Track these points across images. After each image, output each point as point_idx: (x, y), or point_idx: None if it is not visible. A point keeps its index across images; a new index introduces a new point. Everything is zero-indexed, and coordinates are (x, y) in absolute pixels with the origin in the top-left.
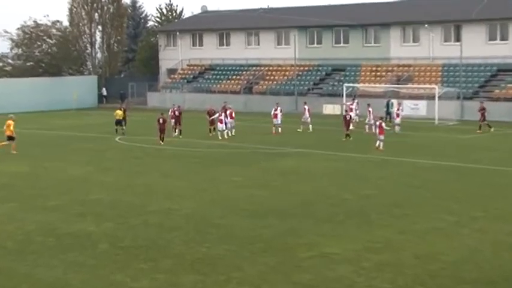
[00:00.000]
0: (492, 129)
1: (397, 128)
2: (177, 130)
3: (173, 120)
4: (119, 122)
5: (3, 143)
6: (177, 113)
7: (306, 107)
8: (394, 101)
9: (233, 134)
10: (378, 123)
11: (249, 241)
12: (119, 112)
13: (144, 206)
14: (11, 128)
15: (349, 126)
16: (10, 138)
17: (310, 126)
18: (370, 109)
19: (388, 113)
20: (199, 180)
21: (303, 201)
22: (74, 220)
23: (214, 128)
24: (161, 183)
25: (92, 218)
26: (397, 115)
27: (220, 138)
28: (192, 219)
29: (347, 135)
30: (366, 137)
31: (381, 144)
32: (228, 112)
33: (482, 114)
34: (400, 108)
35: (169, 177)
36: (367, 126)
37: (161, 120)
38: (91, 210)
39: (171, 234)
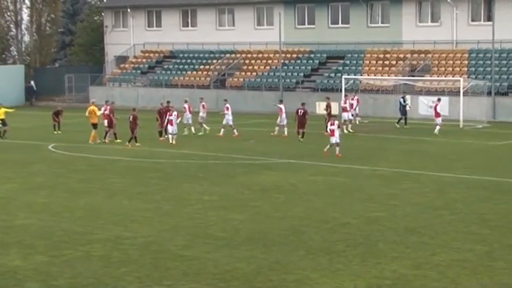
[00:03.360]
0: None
1: (437, 129)
2: (109, 133)
3: (106, 121)
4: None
5: (93, 135)
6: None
7: (282, 106)
8: (408, 97)
9: (205, 130)
10: (330, 122)
11: (223, 278)
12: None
13: (86, 233)
14: (97, 113)
15: (304, 124)
16: (95, 126)
17: (277, 128)
18: (282, 106)
19: (405, 113)
20: (159, 200)
21: (291, 227)
22: None
23: (165, 131)
24: (109, 205)
25: (18, 250)
26: (438, 114)
27: (170, 142)
28: (148, 250)
29: (298, 132)
30: (366, 144)
31: (337, 148)
32: (202, 104)
33: (329, 114)
34: (439, 105)
35: (121, 196)
36: (277, 128)
37: (131, 118)
38: (16, 239)
39: (120, 269)
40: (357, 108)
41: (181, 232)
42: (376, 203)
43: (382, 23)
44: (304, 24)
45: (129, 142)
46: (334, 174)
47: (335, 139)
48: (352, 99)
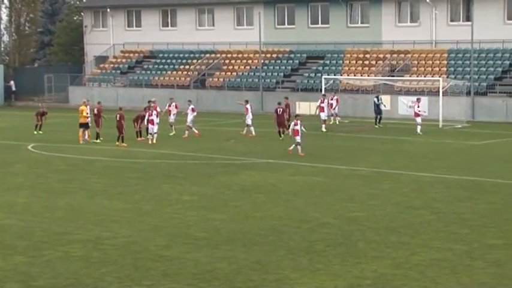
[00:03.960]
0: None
1: (419, 129)
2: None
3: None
4: None
5: (86, 134)
6: (95, 111)
7: (248, 106)
8: (383, 97)
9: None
10: (293, 122)
11: (203, 278)
12: None
13: (66, 234)
14: (84, 114)
15: (283, 123)
16: (83, 125)
17: (252, 128)
18: (248, 106)
19: (379, 112)
20: (139, 200)
21: (272, 227)
22: None
23: (146, 131)
24: (89, 205)
25: None
26: (417, 114)
27: (150, 142)
28: (128, 250)
29: (279, 132)
30: (346, 144)
31: (299, 148)
32: (173, 105)
33: (289, 114)
34: (417, 105)
35: (100, 196)
36: (252, 128)
37: (118, 117)
38: None
39: (100, 270)
40: (337, 108)
41: (162, 232)
42: (356, 203)
43: (361, 23)
44: (284, 24)
45: (122, 142)
46: (314, 174)
47: (299, 138)
48: (332, 99)
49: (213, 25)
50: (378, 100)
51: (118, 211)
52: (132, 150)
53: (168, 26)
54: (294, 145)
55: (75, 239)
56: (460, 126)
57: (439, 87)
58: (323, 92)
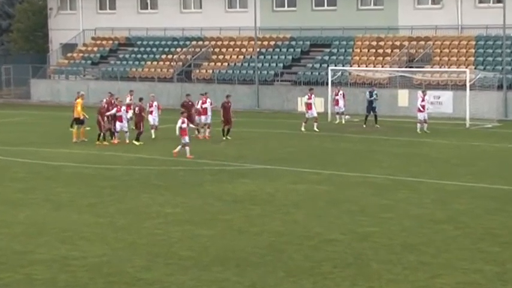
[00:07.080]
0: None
1: (419, 126)
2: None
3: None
4: None
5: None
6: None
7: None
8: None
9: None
10: (180, 120)
11: None
12: None
13: (28, 253)
14: (79, 108)
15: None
16: (78, 121)
17: (207, 131)
18: (205, 101)
19: (372, 109)
20: (113, 213)
21: (269, 244)
22: None
23: (110, 133)
24: (55, 219)
25: None
26: (422, 108)
27: (116, 141)
28: (100, 272)
29: (224, 131)
30: (354, 146)
31: (187, 150)
32: (154, 104)
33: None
34: (426, 99)
35: (68, 208)
36: (203, 130)
37: (137, 110)
38: None
39: None
40: (343, 105)
41: (140, 251)
42: (367, 216)
43: (374, 5)
44: (284, 6)
45: (136, 140)
46: (318, 182)
47: (187, 138)
48: (337, 94)
49: (200, 7)
50: (371, 95)
51: (88, 226)
52: (105, 155)
53: (147, 9)
54: (180, 146)
55: (38, 259)
56: (490, 125)
57: (465, 80)
58: (332, 86)
